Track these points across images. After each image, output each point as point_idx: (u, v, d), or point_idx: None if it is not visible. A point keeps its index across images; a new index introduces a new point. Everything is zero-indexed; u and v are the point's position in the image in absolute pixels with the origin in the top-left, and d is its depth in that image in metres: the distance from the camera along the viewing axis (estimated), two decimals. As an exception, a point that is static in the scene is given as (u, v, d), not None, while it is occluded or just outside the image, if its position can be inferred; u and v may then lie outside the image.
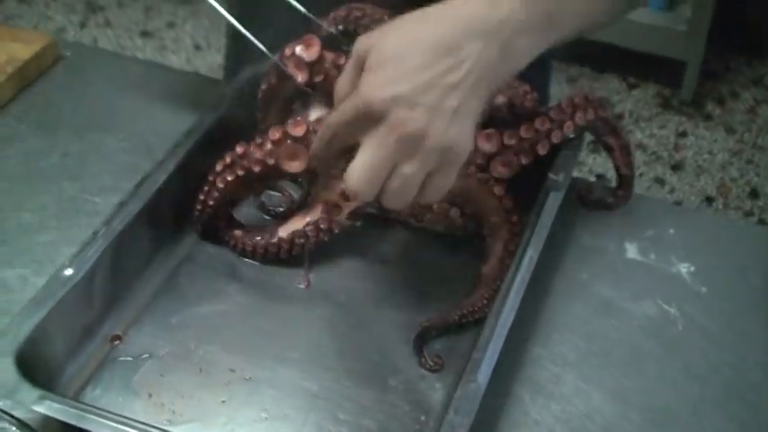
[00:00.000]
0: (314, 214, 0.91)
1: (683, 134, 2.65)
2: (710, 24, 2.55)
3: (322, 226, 0.91)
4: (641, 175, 2.52)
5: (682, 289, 0.91)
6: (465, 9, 0.75)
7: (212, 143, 0.98)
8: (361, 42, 0.77)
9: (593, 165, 2.53)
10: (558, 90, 2.76)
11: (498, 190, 0.92)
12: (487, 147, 0.92)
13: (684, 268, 0.93)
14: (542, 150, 0.92)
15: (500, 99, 0.93)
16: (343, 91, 0.79)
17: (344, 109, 0.75)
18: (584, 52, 2.80)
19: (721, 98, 2.76)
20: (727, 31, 2.67)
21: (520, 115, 0.94)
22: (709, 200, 2.47)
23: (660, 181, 2.51)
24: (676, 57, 2.66)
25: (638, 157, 2.57)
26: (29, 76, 1.15)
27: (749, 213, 2.44)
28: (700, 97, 2.75)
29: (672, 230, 0.97)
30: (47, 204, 0.99)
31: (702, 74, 2.72)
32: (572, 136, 0.93)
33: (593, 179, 2.45)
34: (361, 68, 0.75)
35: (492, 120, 0.94)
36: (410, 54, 0.73)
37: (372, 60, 0.74)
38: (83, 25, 3.09)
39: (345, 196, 0.90)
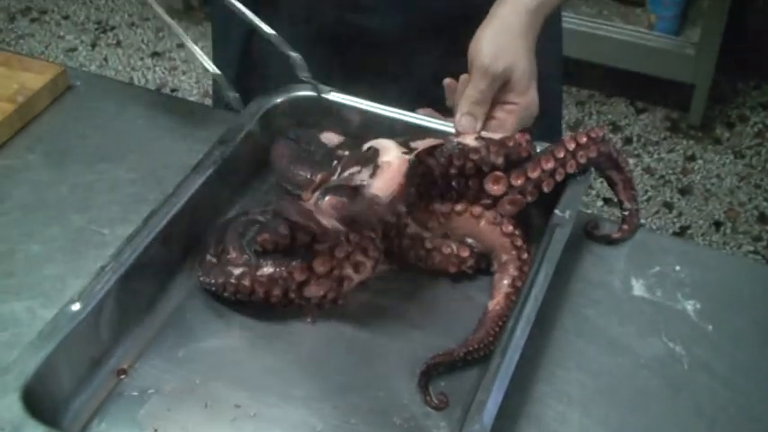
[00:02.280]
0: (324, 286, 0.90)
1: (692, 158, 2.65)
2: (719, 48, 2.55)
3: (329, 297, 0.90)
4: (649, 199, 2.52)
5: (688, 327, 0.91)
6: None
7: (221, 177, 0.99)
8: (498, 65, 0.98)
9: (601, 189, 2.53)
10: (566, 113, 2.76)
11: (507, 228, 0.92)
12: (496, 189, 0.93)
13: (690, 305, 0.93)
14: (547, 188, 0.93)
15: (499, 160, 0.94)
16: (484, 98, 1.00)
17: (523, 116, 1.00)
18: (593, 76, 2.80)
19: (730, 122, 2.76)
20: (735, 54, 2.67)
21: (517, 164, 0.95)
22: (718, 225, 2.46)
23: (668, 205, 2.51)
24: (685, 80, 2.66)
25: (646, 181, 2.57)
26: (39, 106, 1.16)
27: (757, 238, 2.43)
28: (708, 121, 2.75)
29: (678, 267, 0.97)
30: (55, 236, 0.99)
31: (711, 98, 2.72)
32: (575, 173, 0.94)
33: (600, 203, 2.45)
34: (499, 83, 0.99)
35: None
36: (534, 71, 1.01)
37: (525, 82, 1.00)
38: (94, 45, 3.11)
39: (357, 268, 0.90)
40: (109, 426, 0.82)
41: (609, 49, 2.67)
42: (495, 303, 0.90)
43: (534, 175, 0.93)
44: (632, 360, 0.88)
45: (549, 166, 0.93)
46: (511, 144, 0.94)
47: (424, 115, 1.06)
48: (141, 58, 3.05)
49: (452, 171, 0.93)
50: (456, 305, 0.93)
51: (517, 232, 0.93)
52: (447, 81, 1.07)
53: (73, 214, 1.02)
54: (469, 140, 0.94)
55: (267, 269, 0.88)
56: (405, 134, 1.04)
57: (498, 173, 0.93)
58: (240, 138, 1.02)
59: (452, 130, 1.01)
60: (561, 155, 0.93)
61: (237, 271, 0.89)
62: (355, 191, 0.86)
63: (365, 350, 0.88)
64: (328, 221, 0.86)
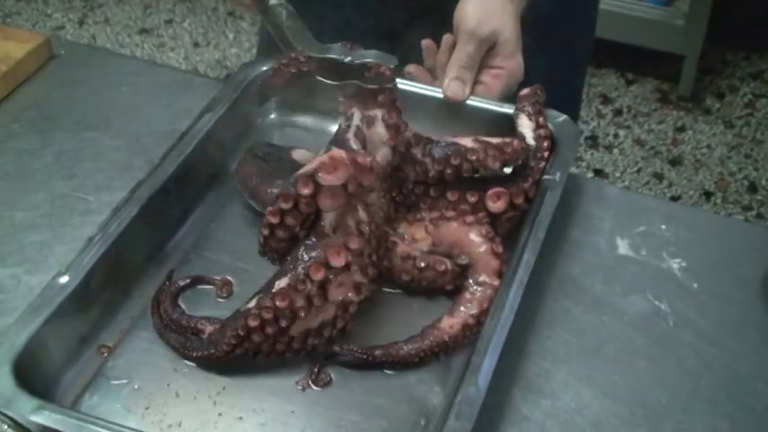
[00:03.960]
0: (327, 313, 0.83)
1: (682, 129, 2.65)
2: (708, 19, 2.55)
3: (338, 325, 0.84)
4: (639, 170, 2.52)
5: (673, 285, 0.91)
6: None
7: (209, 146, 0.98)
8: (484, 28, 0.98)
9: (591, 160, 2.53)
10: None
11: (498, 248, 0.89)
12: (496, 206, 0.91)
13: (675, 264, 0.93)
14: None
15: (496, 164, 0.91)
16: (472, 62, 1.00)
17: (509, 81, 1.02)
18: (582, 47, 2.79)
19: (720, 93, 2.76)
20: (725, 25, 2.66)
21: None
22: (708, 195, 2.47)
23: (658, 176, 2.51)
24: (674, 51, 2.65)
25: (637, 152, 2.57)
26: (23, 75, 1.15)
27: (748, 208, 2.44)
28: (698, 92, 2.74)
29: (663, 226, 0.97)
30: (40, 203, 0.99)
31: (700, 68, 2.72)
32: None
33: (590, 175, 2.46)
34: (486, 47, 1.00)
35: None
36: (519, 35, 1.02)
37: (511, 46, 1.01)
38: (81, 23, 3.09)
39: (358, 290, 0.83)
40: (101, 399, 0.81)
41: (598, 21, 2.66)
42: (449, 326, 0.85)
43: (531, 192, 0.91)
44: (617, 318, 0.88)
45: (538, 176, 0.92)
46: (509, 150, 0.91)
47: (414, 73, 1.05)
48: (129, 35, 3.03)
49: (448, 172, 0.89)
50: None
51: (505, 257, 0.88)
52: (426, 42, 1.06)
53: (57, 181, 1.01)
54: (467, 141, 0.91)
55: (282, 281, 0.80)
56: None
57: (500, 189, 0.90)
58: (226, 106, 1.01)
59: (441, 95, 1.00)
60: (542, 164, 0.93)
61: (252, 303, 0.81)
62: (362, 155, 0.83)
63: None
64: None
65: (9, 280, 0.91)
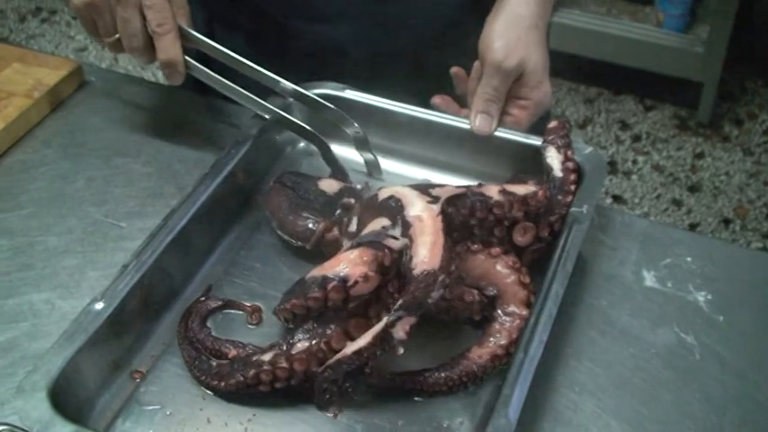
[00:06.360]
0: (363, 340, 0.81)
1: (700, 155, 2.66)
2: (727, 46, 2.56)
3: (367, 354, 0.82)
4: (658, 197, 2.53)
5: (699, 317, 0.92)
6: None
7: (239, 174, 1.00)
8: (510, 60, 0.99)
9: (610, 186, 2.53)
10: (575, 112, 2.77)
11: (525, 278, 0.90)
12: (523, 240, 0.92)
13: (702, 296, 0.94)
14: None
15: (519, 214, 0.92)
16: (499, 95, 1.01)
17: (537, 111, 1.03)
18: (602, 74, 2.81)
19: (738, 119, 2.77)
20: (744, 52, 2.67)
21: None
22: (727, 222, 2.47)
23: (677, 202, 2.52)
24: (693, 78, 2.66)
25: (655, 178, 2.58)
26: (55, 101, 1.17)
27: (767, 236, 2.43)
28: (717, 118, 2.75)
29: (689, 258, 0.97)
30: (72, 228, 1.00)
31: (719, 95, 2.73)
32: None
33: (609, 201, 2.46)
34: (512, 79, 1.01)
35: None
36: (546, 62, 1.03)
37: (539, 75, 1.02)
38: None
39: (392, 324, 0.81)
40: (133, 424, 0.82)
41: (617, 47, 2.68)
42: (478, 356, 0.85)
43: (557, 226, 0.92)
44: (644, 350, 0.89)
45: (565, 210, 0.92)
46: (533, 203, 0.91)
47: (440, 104, 1.07)
48: (151, 57, 3.05)
49: (473, 222, 0.90)
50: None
51: (532, 287, 0.89)
52: (455, 70, 1.07)
53: (90, 207, 1.03)
54: (493, 193, 0.91)
55: (302, 344, 0.81)
56: (422, 132, 1.05)
57: (527, 223, 0.91)
58: (257, 137, 1.02)
59: (468, 126, 1.01)
60: (569, 198, 0.93)
61: (268, 356, 0.82)
62: (392, 251, 0.83)
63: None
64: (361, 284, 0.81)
65: (43, 305, 0.92)
